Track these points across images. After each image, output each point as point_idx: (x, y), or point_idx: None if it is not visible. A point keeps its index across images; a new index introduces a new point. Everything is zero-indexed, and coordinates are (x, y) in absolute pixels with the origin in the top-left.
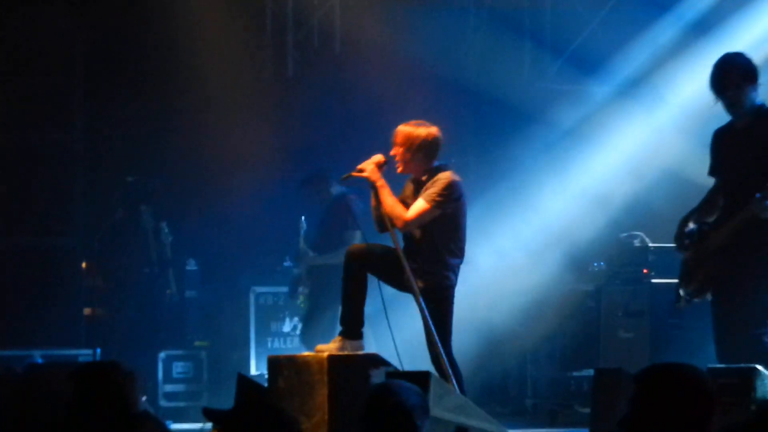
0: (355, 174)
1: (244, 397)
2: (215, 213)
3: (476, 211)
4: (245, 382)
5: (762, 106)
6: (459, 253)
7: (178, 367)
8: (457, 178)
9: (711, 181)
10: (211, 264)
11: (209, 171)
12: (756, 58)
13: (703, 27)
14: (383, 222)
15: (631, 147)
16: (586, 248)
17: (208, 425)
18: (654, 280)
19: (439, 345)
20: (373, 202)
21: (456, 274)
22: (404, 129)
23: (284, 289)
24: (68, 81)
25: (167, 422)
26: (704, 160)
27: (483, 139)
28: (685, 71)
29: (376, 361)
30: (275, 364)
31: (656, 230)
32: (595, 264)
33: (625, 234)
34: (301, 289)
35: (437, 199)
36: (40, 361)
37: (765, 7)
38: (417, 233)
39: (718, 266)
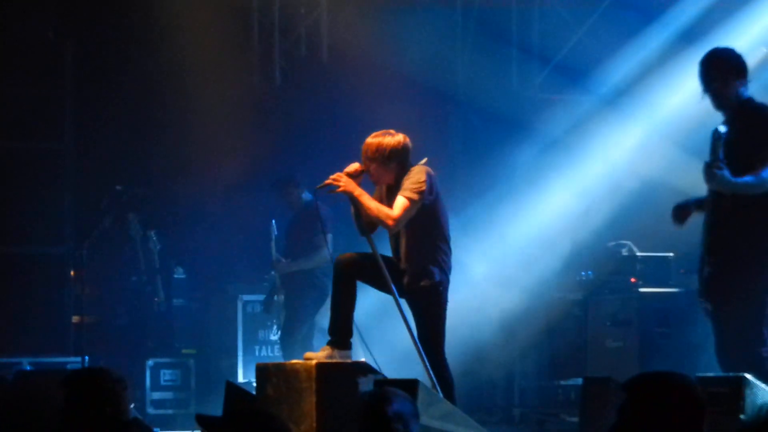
0: (328, 183)
1: (233, 404)
2: (203, 221)
3: (464, 219)
4: (234, 390)
5: (748, 101)
6: (446, 248)
7: (165, 375)
8: (428, 169)
9: (698, 192)
10: (199, 272)
11: (197, 179)
12: None
13: (690, 36)
14: (365, 228)
15: (619, 156)
16: (573, 257)
17: None
18: (642, 289)
19: (422, 351)
20: (352, 210)
21: (447, 272)
22: (373, 141)
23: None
24: (56, 91)
25: (155, 429)
26: (692, 169)
27: (470, 147)
28: (672, 80)
29: (365, 369)
30: (264, 371)
31: (644, 239)
32: (583, 273)
33: (612, 243)
34: (276, 297)
35: (417, 189)
36: (28, 368)
37: (751, 16)
38: (401, 236)
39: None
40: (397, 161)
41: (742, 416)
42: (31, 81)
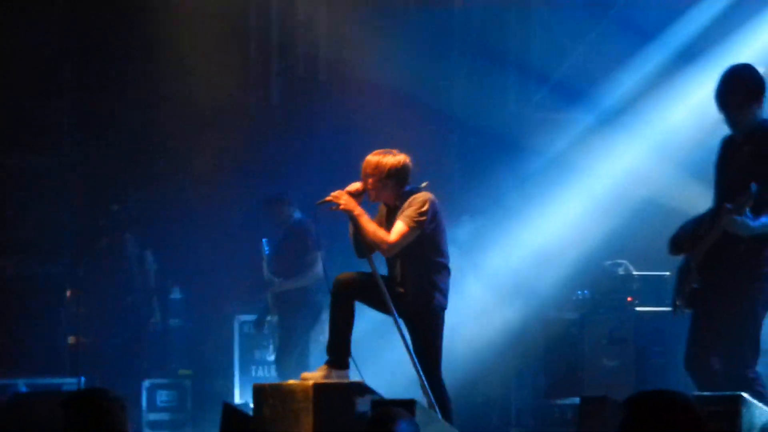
0: (329, 199)
1: (230, 426)
2: (200, 241)
3: (461, 239)
4: (230, 411)
5: (762, 122)
6: (445, 271)
7: (162, 396)
8: (432, 197)
9: (695, 211)
10: (196, 292)
11: (194, 199)
12: None
13: (688, 55)
14: (362, 248)
15: (616, 174)
16: (570, 276)
17: None
18: (638, 308)
19: (421, 371)
20: (350, 230)
21: (445, 294)
22: (373, 159)
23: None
24: (55, 108)
25: None
26: (688, 188)
27: (468, 167)
28: (670, 99)
29: (362, 389)
30: (260, 392)
31: (640, 258)
32: (579, 292)
33: (609, 262)
34: (269, 317)
35: (417, 218)
36: (24, 389)
37: (750, 36)
38: (399, 258)
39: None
40: (396, 180)
41: None
42: (29, 99)
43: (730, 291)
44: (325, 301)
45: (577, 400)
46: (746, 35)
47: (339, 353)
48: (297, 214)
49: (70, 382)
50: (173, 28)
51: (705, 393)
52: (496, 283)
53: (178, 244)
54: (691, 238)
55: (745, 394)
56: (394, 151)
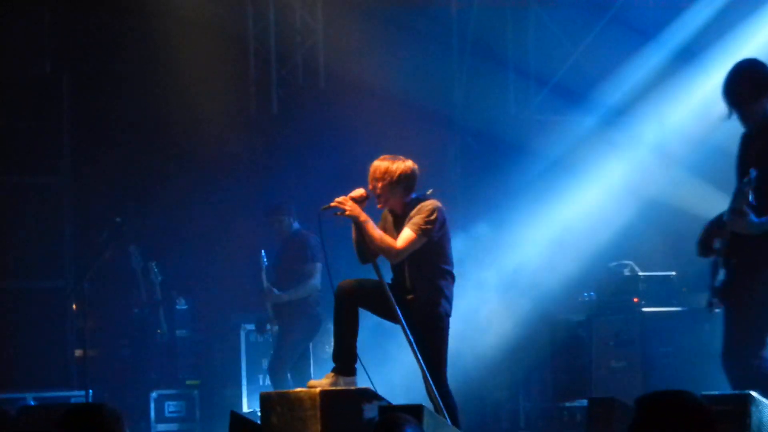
0: (334, 205)
1: None
2: (204, 251)
3: (464, 242)
4: (238, 420)
5: None
6: (450, 278)
7: (170, 407)
8: (440, 204)
9: (699, 210)
10: (201, 302)
11: (197, 209)
12: None
13: (687, 56)
14: (365, 254)
15: (618, 176)
16: (576, 278)
17: None
18: (644, 309)
19: (429, 377)
20: (354, 236)
21: (450, 301)
22: (383, 164)
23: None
24: (54, 124)
25: None
26: (691, 188)
27: (469, 171)
28: (669, 100)
29: (369, 395)
30: (268, 400)
31: (645, 259)
32: (585, 294)
33: (614, 263)
34: (269, 327)
35: (425, 226)
36: (32, 403)
37: (746, 36)
38: (406, 265)
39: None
40: (405, 186)
41: None
42: (28, 115)
43: (753, 282)
44: (326, 312)
45: (585, 401)
46: (744, 34)
47: (345, 360)
48: (296, 225)
49: (77, 395)
50: (172, 40)
51: (713, 392)
52: (502, 287)
53: (183, 254)
54: (714, 235)
55: (754, 393)
56: (401, 157)
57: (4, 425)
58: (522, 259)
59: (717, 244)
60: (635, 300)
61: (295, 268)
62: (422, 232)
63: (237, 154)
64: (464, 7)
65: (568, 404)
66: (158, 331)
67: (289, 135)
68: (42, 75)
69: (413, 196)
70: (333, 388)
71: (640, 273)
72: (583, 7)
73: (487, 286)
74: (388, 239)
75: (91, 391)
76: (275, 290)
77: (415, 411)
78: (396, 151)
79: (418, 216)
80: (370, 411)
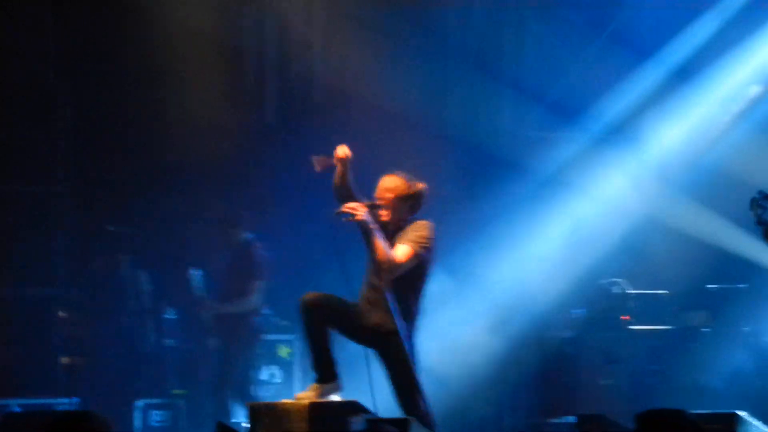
0: (346, 210)
1: None
2: (194, 262)
3: (458, 258)
4: (224, 431)
5: None
6: (422, 299)
7: (156, 416)
8: (433, 225)
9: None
10: (190, 312)
11: (188, 220)
12: (735, 106)
13: (684, 73)
14: (342, 198)
15: (612, 193)
16: (566, 294)
17: None
18: (633, 327)
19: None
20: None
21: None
22: (398, 178)
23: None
24: (50, 133)
25: None
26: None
27: (463, 187)
28: (666, 117)
29: (356, 408)
30: (255, 411)
31: (636, 277)
32: (574, 311)
33: (604, 280)
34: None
35: (423, 243)
36: (18, 410)
37: (744, 55)
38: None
39: None
40: (412, 205)
41: None
42: (25, 124)
43: None
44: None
45: (572, 418)
46: (740, 55)
47: (323, 368)
48: (247, 236)
49: (63, 403)
50: (169, 50)
51: (702, 411)
52: (492, 302)
53: (173, 264)
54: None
55: (740, 413)
56: (415, 178)
57: None
58: (513, 274)
59: None
60: (624, 318)
61: (240, 281)
62: (420, 249)
63: (232, 164)
64: (460, 22)
65: (554, 421)
66: (146, 340)
67: (285, 146)
68: (40, 84)
69: (411, 217)
70: (321, 400)
71: (630, 291)
72: (580, 24)
73: (478, 301)
74: (391, 252)
75: (76, 398)
76: (209, 301)
77: (401, 424)
78: (389, 165)
79: (414, 233)
80: (357, 424)
